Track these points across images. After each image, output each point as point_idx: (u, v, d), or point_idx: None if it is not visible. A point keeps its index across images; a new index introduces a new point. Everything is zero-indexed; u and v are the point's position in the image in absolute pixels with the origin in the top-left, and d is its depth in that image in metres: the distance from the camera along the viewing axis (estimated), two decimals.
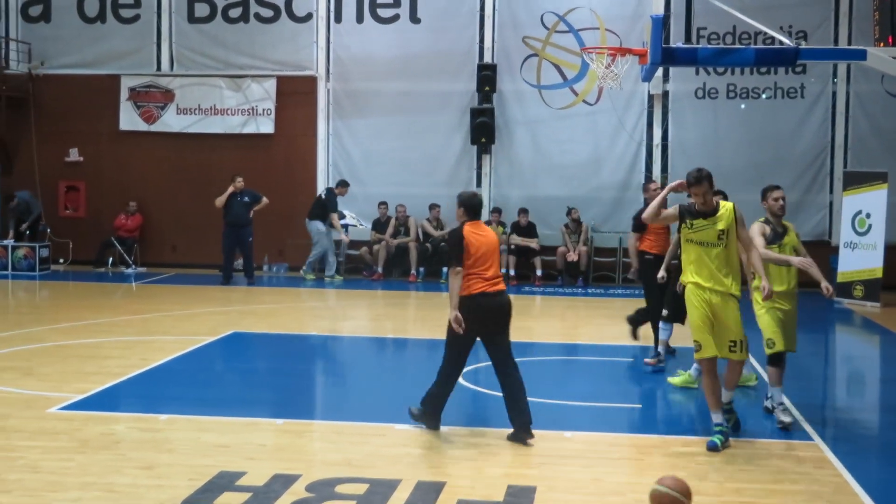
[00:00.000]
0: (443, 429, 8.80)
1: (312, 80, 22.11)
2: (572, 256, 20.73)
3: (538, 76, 21.64)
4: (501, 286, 8.67)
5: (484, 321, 8.53)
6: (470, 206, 8.75)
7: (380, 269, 21.17)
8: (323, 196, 21.11)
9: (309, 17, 22.11)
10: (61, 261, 22.23)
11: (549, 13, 21.47)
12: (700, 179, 8.53)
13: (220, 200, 20.13)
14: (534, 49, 21.60)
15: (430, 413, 8.81)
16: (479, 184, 21.86)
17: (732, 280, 8.54)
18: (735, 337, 8.56)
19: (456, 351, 8.68)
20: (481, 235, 8.63)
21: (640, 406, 10.56)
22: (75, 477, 7.35)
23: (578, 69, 21.35)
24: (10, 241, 21.47)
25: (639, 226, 12.13)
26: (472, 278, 8.53)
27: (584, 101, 21.52)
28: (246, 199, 20.19)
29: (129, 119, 22.51)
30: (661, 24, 10.16)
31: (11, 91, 22.25)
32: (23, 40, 22.82)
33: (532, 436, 8.44)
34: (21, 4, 22.93)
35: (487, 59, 21.58)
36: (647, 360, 11.95)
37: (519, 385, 8.57)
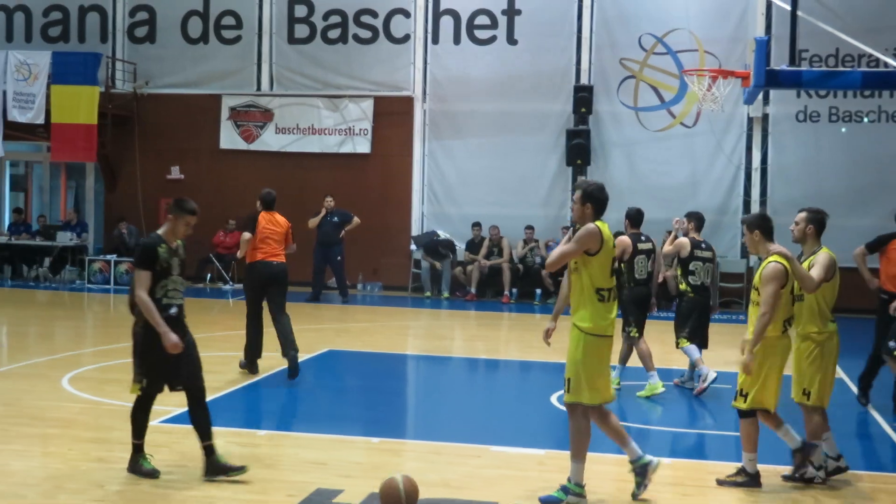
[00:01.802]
0: (539, 452, 8.77)
1: (409, 101, 22.28)
2: (660, 278, 20.43)
3: (635, 98, 21.52)
4: (277, 259, 11.93)
5: (262, 281, 11.86)
6: (265, 201, 12.23)
7: (473, 290, 21.19)
8: (439, 237, 21.58)
9: (406, 38, 22.31)
10: None
11: (648, 35, 21.35)
12: (577, 186, 7.64)
13: (312, 222, 20.40)
14: (631, 71, 21.49)
15: (251, 360, 11.90)
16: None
17: (578, 310, 7.30)
18: (567, 373, 7.39)
19: (250, 300, 12.04)
20: (270, 221, 12.05)
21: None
22: (176, 490, 7.46)
23: (676, 91, 21.19)
24: (112, 256, 22.01)
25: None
26: (256, 251, 11.86)
27: (682, 124, 21.33)
28: (335, 219, 20.42)
29: (229, 138, 22.93)
30: (766, 47, 10.03)
31: (117, 110, 22.80)
32: (129, 60, 23.42)
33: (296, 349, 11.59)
34: (128, 25, 23.55)
35: (584, 80, 21.53)
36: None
37: (288, 328, 11.68)
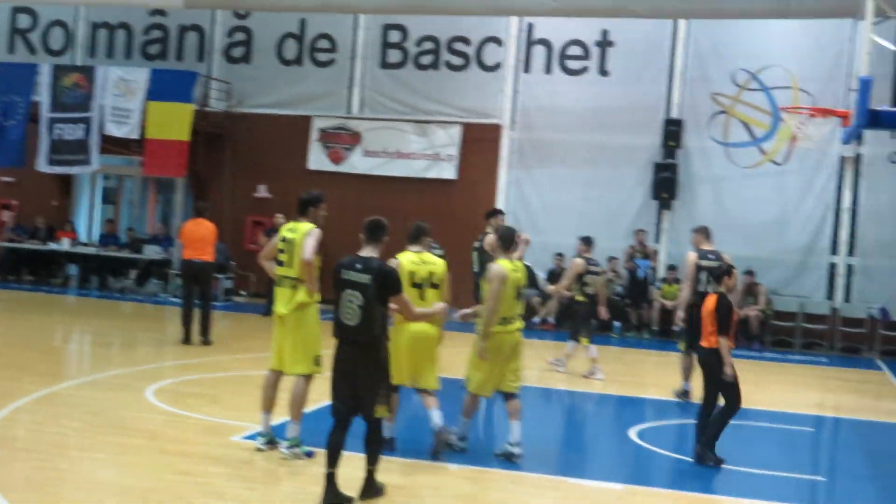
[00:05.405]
0: (616, 486, 8.66)
1: (497, 129, 22.35)
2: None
3: (725, 133, 21.35)
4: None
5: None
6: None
7: (552, 320, 21.11)
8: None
9: (498, 66, 22.42)
10: (243, 293, 22.97)
11: (742, 70, 21.21)
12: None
13: None
14: (723, 106, 21.34)
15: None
16: (657, 239, 21.64)
17: None
18: None
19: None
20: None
21: (823, 479, 10.16)
22: None
23: (768, 128, 20.99)
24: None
25: None
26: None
27: (772, 161, 21.10)
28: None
29: (318, 159, 23.19)
30: (869, 86, 9.86)
31: (210, 127, 23.18)
32: (224, 79, 23.82)
33: None
34: (224, 46, 24.00)
35: (675, 114, 21.44)
36: None
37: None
